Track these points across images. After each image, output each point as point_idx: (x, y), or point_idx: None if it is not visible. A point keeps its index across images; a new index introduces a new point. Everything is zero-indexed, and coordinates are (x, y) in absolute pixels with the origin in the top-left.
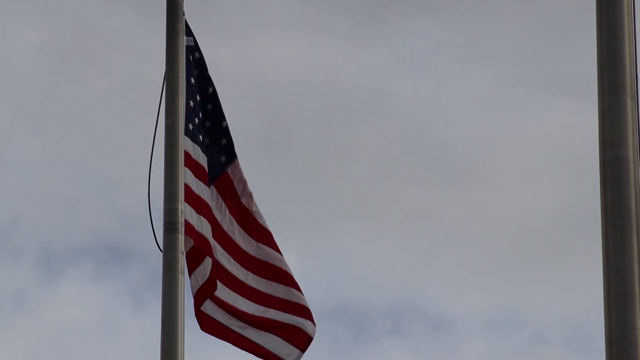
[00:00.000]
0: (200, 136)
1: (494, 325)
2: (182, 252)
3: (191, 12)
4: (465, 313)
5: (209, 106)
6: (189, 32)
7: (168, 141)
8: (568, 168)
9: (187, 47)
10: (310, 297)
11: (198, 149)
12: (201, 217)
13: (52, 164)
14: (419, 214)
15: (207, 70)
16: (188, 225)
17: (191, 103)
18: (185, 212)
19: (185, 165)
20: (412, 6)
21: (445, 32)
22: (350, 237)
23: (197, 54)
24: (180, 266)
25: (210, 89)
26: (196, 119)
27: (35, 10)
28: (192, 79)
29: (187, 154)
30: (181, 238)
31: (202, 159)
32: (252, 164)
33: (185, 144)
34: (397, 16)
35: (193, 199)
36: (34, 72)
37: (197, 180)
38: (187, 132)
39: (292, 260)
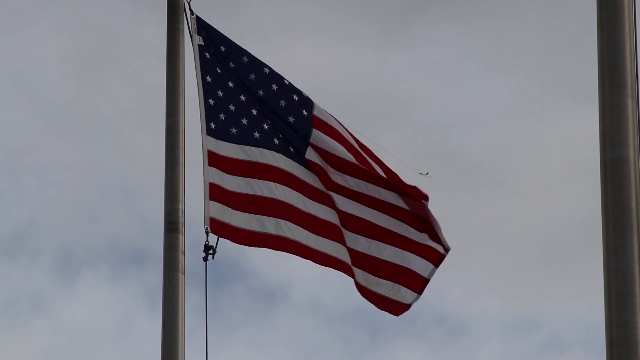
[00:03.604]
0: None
1: (510, 328)
2: (182, 252)
3: (214, 17)
4: (481, 316)
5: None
6: (200, 32)
7: (169, 141)
8: (590, 175)
9: (199, 46)
10: (327, 298)
11: (227, 145)
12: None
13: (75, 169)
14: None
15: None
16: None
17: (211, 101)
18: (213, 211)
19: (212, 164)
20: (436, 14)
21: (469, 40)
22: None
23: (212, 50)
24: (181, 266)
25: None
26: (222, 115)
27: (61, 19)
28: (207, 77)
29: (211, 153)
30: (182, 238)
31: (237, 153)
32: None
33: (209, 144)
34: (421, 23)
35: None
36: (59, 79)
37: (231, 176)
38: (209, 132)
39: (311, 262)
